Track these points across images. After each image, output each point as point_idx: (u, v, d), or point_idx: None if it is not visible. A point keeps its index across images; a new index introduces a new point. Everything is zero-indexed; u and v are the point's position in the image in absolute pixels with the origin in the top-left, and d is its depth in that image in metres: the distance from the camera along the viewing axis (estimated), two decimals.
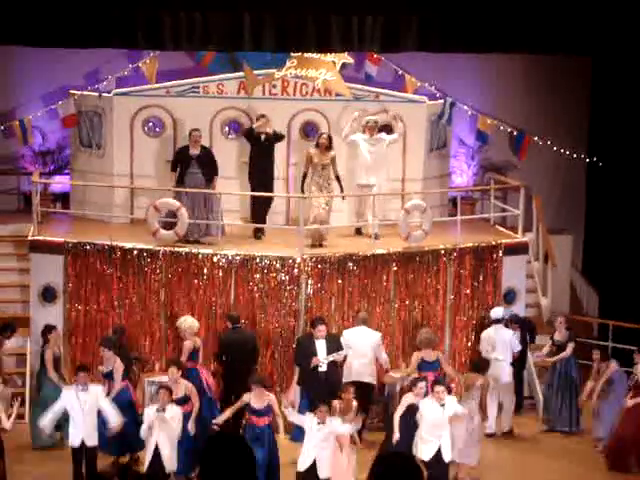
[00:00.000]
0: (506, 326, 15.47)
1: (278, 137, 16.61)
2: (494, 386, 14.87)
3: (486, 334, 15.40)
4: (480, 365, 14.23)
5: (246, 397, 12.81)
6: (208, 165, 16.12)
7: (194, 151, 16.17)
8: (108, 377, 13.81)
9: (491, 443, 14.80)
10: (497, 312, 15.47)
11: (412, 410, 12.91)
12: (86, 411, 12.55)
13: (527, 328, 16.02)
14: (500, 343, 15.19)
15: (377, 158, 16.68)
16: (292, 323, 15.30)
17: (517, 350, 15.37)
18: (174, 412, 12.56)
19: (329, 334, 14.67)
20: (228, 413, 13.01)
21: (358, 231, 16.90)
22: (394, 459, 5.05)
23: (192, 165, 16.10)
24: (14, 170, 19.03)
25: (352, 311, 15.49)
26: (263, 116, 16.51)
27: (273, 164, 16.67)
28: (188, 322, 14.73)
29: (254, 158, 16.56)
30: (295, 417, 12.71)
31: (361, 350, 14.61)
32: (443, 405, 12.70)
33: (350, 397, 12.99)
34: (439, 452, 12.64)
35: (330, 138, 16.33)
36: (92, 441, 12.62)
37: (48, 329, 14.73)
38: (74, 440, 12.61)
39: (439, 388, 12.77)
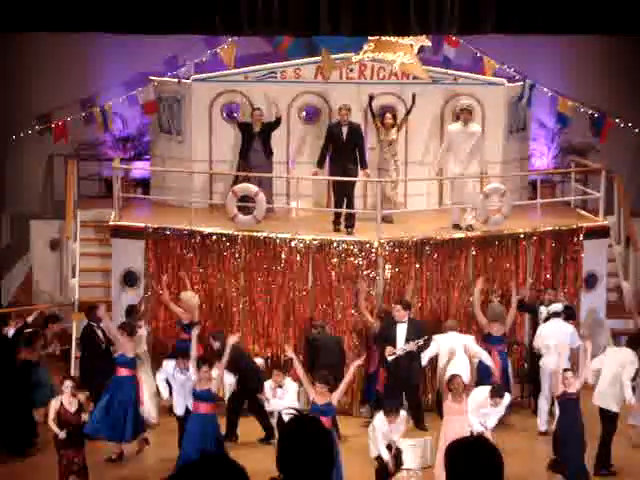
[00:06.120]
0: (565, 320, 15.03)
1: (360, 132, 16.37)
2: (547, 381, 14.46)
3: (543, 328, 14.79)
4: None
5: (311, 394, 12.73)
6: (269, 138, 16.78)
7: (256, 129, 16.76)
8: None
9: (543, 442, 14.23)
10: (557, 306, 14.93)
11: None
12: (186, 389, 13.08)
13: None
14: (557, 337, 14.55)
15: (472, 150, 16.18)
16: (370, 308, 15.27)
17: (576, 345, 14.65)
18: (291, 385, 13.11)
19: (411, 320, 14.47)
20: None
21: (457, 226, 16.11)
22: (468, 444, 4.86)
23: (255, 142, 16.69)
24: (95, 156, 19.32)
25: (430, 295, 15.43)
26: (345, 108, 16.29)
27: (356, 160, 16.16)
28: (191, 300, 14.96)
29: (334, 154, 16.25)
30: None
31: (457, 353, 14.27)
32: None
33: (458, 386, 12.62)
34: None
35: (395, 116, 16.60)
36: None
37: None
38: (179, 409, 13.26)
39: (499, 400, 12.67)
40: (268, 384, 13.09)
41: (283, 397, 12.89)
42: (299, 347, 14.93)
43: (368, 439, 12.46)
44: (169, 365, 13.44)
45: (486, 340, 14.66)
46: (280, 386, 12.84)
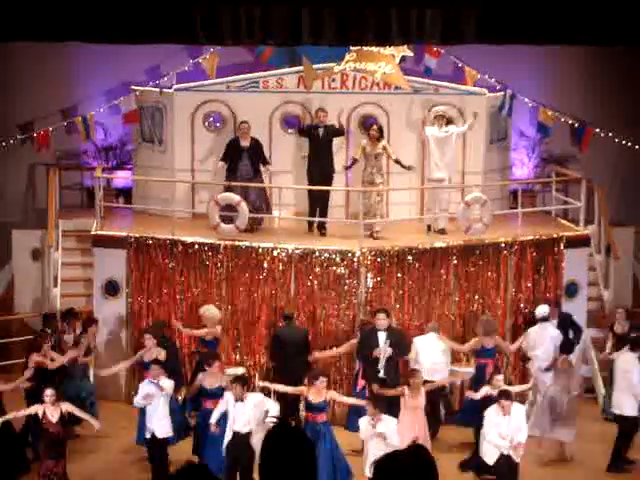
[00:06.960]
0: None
1: (337, 132, 16.62)
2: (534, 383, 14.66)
3: (531, 331, 15.07)
4: None
5: (305, 392, 12.78)
6: (257, 155, 16.48)
7: (244, 143, 16.52)
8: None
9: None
10: (543, 310, 15.11)
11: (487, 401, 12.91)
12: (157, 403, 12.79)
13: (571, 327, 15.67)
14: (544, 341, 14.87)
15: (447, 152, 16.51)
16: (352, 316, 15.32)
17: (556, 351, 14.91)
18: (254, 398, 12.66)
19: (391, 327, 14.54)
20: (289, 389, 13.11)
21: (429, 228, 16.52)
22: (405, 455, 4.67)
23: (243, 157, 16.46)
24: (77, 166, 19.30)
25: (412, 304, 15.50)
26: (322, 110, 16.57)
27: (332, 160, 16.56)
28: (211, 311, 14.87)
29: (312, 154, 16.53)
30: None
31: (433, 354, 14.54)
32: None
33: (418, 381, 12.97)
34: (508, 457, 12.52)
35: (381, 129, 16.49)
36: (162, 433, 12.88)
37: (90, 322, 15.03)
38: (147, 432, 12.95)
39: (505, 402, 12.56)
40: (227, 396, 12.61)
41: (244, 411, 12.55)
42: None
43: (364, 452, 12.44)
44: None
45: (478, 354, 14.59)
46: (242, 399, 12.50)
